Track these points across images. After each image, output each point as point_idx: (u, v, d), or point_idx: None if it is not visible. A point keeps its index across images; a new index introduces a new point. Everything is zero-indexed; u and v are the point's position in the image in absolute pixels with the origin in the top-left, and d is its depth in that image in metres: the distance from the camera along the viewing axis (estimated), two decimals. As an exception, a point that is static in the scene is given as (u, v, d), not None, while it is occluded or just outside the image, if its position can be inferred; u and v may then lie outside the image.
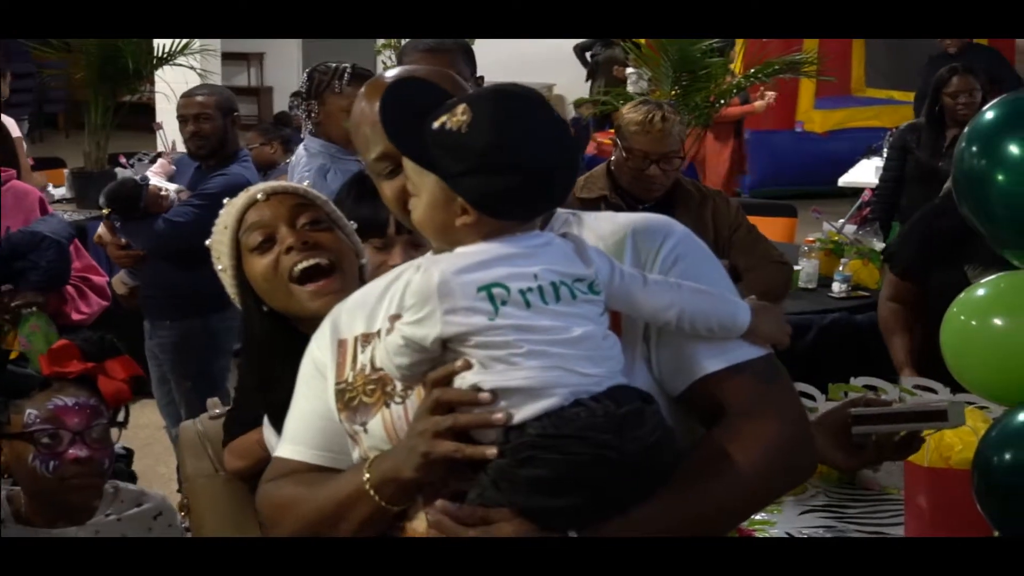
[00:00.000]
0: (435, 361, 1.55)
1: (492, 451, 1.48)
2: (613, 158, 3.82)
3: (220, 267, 2.27)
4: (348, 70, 3.89)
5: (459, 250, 1.54)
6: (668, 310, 1.58)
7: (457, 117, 1.51)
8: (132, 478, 3.64)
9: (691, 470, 1.54)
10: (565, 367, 1.50)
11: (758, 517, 2.77)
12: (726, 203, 3.85)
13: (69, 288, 4.06)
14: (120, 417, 2.37)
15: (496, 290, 1.50)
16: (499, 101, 1.53)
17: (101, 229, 4.54)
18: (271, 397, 2.15)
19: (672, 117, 3.76)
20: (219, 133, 4.58)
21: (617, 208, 3.51)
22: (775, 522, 2.76)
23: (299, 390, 1.76)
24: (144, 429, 5.19)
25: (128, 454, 3.65)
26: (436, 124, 1.52)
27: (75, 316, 4.03)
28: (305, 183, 2.40)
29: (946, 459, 2.67)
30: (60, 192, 7.15)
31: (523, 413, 1.49)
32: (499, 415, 1.49)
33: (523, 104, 1.54)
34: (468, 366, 1.51)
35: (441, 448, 1.51)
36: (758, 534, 2.72)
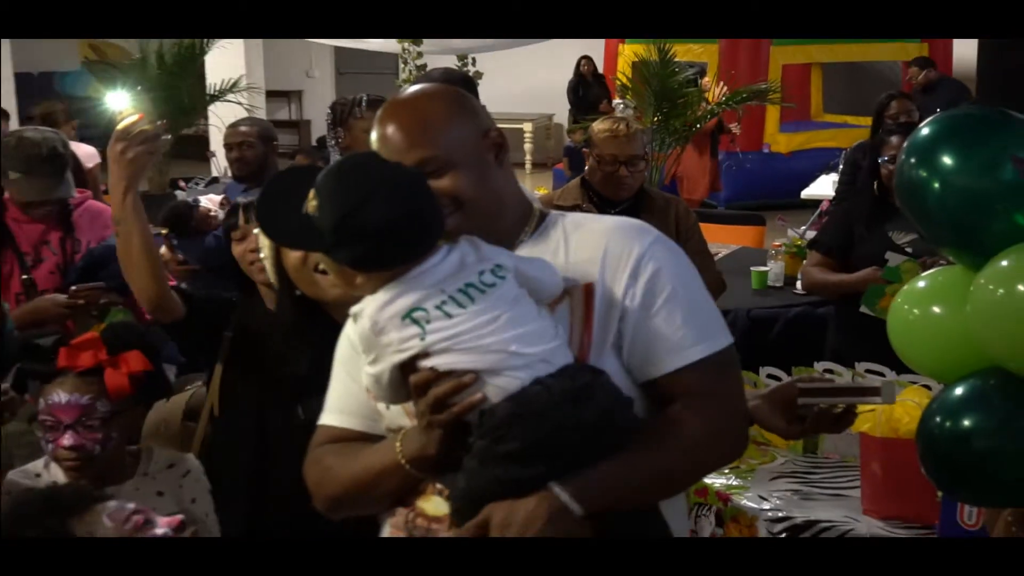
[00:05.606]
0: (404, 385, 1.55)
1: (478, 396, 1.50)
2: (587, 168, 3.83)
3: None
4: (364, 98, 3.97)
5: (377, 292, 1.55)
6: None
7: (311, 202, 1.53)
8: None
9: (643, 440, 1.57)
10: (504, 350, 1.50)
11: (734, 483, 2.79)
12: (687, 212, 3.84)
13: None
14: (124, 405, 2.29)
15: (417, 313, 1.51)
16: (335, 179, 1.52)
17: (162, 246, 4.55)
18: (287, 370, 2.26)
19: (635, 126, 3.78)
20: (260, 159, 4.69)
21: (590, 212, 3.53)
22: (748, 486, 2.78)
23: (338, 367, 1.77)
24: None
25: None
26: (306, 210, 1.54)
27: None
28: None
29: (895, 430, 2.69)
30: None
31: (492, 397, 1.50)
32: (473, 392, 1.50)
33: (359, 174, 1.53)
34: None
35: (441, 417, 1.53)
36: (734, 497, 2.74)
